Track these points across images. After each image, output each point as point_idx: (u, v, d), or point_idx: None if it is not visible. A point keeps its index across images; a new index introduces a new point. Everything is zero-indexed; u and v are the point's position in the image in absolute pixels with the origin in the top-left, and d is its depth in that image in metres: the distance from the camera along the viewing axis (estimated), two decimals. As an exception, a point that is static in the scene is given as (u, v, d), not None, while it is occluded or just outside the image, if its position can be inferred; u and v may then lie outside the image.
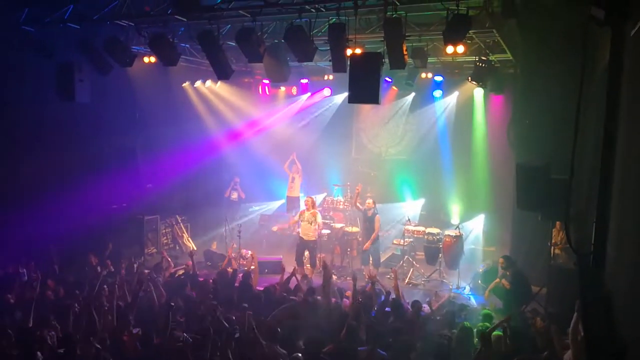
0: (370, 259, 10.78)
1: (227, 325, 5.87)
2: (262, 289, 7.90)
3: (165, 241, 12.59)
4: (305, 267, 10.67)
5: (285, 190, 13.71)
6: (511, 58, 10.62)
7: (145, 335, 5.71)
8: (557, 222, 8.75)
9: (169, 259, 9.68)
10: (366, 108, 14.95)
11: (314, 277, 9.79)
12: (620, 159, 4.45)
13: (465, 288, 10.37)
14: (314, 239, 10.68)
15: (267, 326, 5.92)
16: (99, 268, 8.77)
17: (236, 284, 8.27)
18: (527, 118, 9.58)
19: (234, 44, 8.59)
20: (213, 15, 8.31)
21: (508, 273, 8.65)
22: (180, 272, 9.58)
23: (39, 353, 5.28)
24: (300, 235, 10.74)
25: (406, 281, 10.60)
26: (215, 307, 6.48)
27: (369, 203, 10.99)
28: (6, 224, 9.11)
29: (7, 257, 8.73)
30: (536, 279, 9.41)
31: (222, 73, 8.94)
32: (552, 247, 9.23)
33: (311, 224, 10.58)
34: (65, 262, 9.38)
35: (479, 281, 10.47)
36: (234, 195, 13.38)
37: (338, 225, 12.21)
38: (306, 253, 10.81)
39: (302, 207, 11.60)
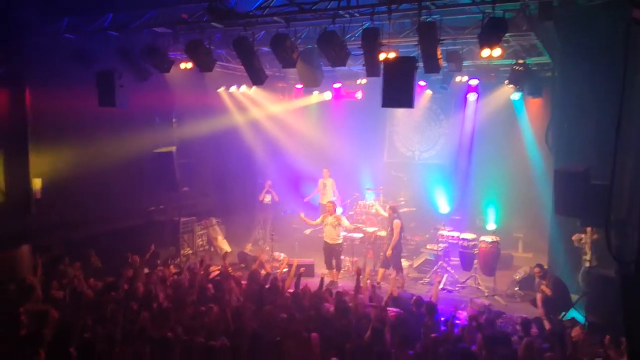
0: (391, 265, 10.56)
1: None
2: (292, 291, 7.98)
3: (200, 243, 12.83)
4: (332, 271, 10.70)
5: (318, 197, 13.75)
6: (549, 61, 10.40)
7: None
8: (587, 228, 8.53)
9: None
10: (399, 111, 14.88)
11: (342, 280, 9.79)
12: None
13: (501, 295, 10.18)
14: (339, 242, 10.69)
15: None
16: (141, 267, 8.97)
17: (267, 286, 8.35)
18: (565, 122, 9.36)
19: (268, 49, 8.70)
20: (248, 21, 8.44)
21: (544, 282, 8.44)
22: (216, 272, 9.74)
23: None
24: (325, 239, 10.77)
25: (440, 287, 10.47)
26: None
27: (388, 209, 11.00)
28: (51, 224, 9.46)
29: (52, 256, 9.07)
30: (575, 286, 9.20)
31: (257, 78, 9.06)
32: (580, 252, 9.07)
33: (335, 227, 10.59)
34: (106, 262, 9.65)
35: (516, 288, 10.28)
36: (267, 199, 13.51)
37: (370, 230, 12.16)
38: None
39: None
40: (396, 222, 10.52)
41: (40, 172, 9.61)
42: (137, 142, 11.17)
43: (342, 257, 11.01)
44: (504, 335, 6.39)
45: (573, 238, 8.97)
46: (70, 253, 9.17)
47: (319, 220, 11.04)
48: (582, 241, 9.16)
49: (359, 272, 7.77)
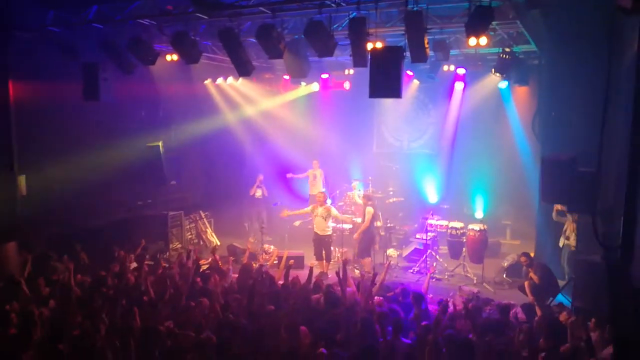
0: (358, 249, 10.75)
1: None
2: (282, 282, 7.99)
3: (189, 236, 12.78)
4: (321, 262, 10.73)
5: (307, 188, 13.74)
6: (535, 49, 10.43)
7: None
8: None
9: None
10: (388, 102, 14.86)
11: (332, 271, 9.83)
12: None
13: (490, 283, 10.28)
14: (328, 233, 10.73)
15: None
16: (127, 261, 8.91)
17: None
18: (552, 110, 9.41)
19: (254, 40, 8.63)
20: (233, 12, 8.35)
21: (531, 270, 8.54)
22: (205, 266, 9.72)
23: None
24: (315, 230, 10.79)
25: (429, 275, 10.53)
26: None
27: (362, 197, 11.28)
28: (37, 221, 9.36)
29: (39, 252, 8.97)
30: (562, 272, 9.32)
31: (243, 70, 8.99)
32: (562, 237, 9.39)
33: (325, 219, 10.61)
34: (93, 257, 9.57)
35: (504, 275, 10.39)
36: (259, 193, 13.44)
37: (359, 220, 12.18)
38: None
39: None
40: (369, 209, 10.71)
41: (25, 168, 9.48)
42: (123, 135, 11.07)
43: (332, 248, 11.04)
44: (496, 322, 6.45)
45: (555, 211, 9.28)
46: (57, 249, 9.07)
47: (308, 209, 11.04)
48: (564, 227, 9.33)
49: (345, 263, 7.78)
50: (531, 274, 8.47)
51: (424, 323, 6.11)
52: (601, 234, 5.44)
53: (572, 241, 9.15)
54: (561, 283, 8.67)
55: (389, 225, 12.38)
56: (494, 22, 8.11)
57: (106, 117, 10.56)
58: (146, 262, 8.51)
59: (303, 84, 14.75)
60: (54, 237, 9.72)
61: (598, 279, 6.35)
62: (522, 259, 8.89)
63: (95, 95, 9.04)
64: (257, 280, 7.87)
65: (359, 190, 13.01)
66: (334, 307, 6.75)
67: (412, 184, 14.04)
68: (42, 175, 9.79)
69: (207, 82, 13.97)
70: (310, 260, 10.67)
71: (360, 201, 11.72)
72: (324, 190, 12.12)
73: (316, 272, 9.25)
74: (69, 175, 9.98)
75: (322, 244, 10.70)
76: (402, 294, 7.43)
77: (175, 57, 10.21)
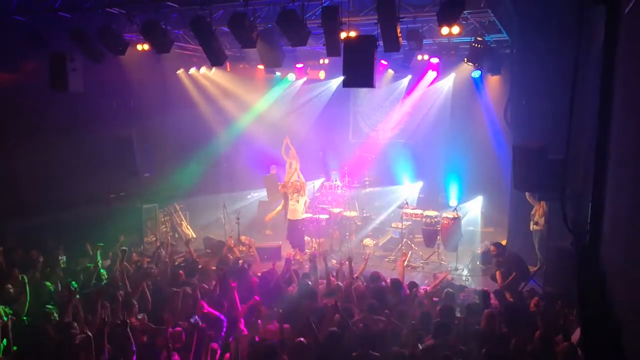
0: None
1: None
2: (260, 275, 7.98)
3: (164, 229, 12.61)
4: (296, 251, 10.79)
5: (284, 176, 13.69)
6: (507, 38, 10.54)
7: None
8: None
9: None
10: (363, 91, 14.89)
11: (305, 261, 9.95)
12: (616, 138, 4.44)
13: (463, 269, 10.44)
14: (300, 218, 10.89)
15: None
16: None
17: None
18: (523, 98, 9.54)
19: (227, 29, 8.51)
20: (205, 0, 8.22)
21: (501, 259, 8.68)
22: (180, 259, 9.62)
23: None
24: (288, 217, 10.90)
25: (405, 264, 10.63)
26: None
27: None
28: (4, 215, 9.12)
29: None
30: (534, 259, 9.50)
31: (215, 59, 8.87)
32: (531, 221, 9.59)
33: (297, 202, 10.77)
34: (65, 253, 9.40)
35: (477, 262, 10.55)
36: None
37: (336, 210, 12.22)
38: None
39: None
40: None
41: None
42: (94, 126, 10.82)
43: (306, 238, 11.09)
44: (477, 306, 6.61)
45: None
46: (26, 243, 8.86)
47: (279, 208, 11.14)
48: (533, 211, 9.53)
49: (322, 254, 7.85)
50: (497, 273, 8.57)
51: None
52: (570, 220, 5.57)
53: (542, 226, 9.34)
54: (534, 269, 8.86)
55: (365, 214, 12.44)
56: (465, 11, 8.16)
57: (76, 108, 10.30)
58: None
59: (278, 73, 14.63)
60: (21, 230, 9.46)
61: (569, 264, 6.49)
62: (492, 248, 9.03)
63: (63, 85, 8.79)
64: (234, 273, 7.86)
65: (335, 180, 13.06)
66: (311, 298, 6.80)
67: (387, 173, 14.11)
68: (9, 166, 9.52)
69: (180, 72, 13.76)
70: (287, 250, 10.70)
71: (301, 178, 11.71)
72: (297, 181, 12.05)
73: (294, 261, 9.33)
74: (37, 167, 9.73)
75: (295, 230, 10.81)
76: (372, 279, 7.54)
77: (146, 46, 10.01)
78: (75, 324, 5.70)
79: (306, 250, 11.03)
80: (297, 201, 10.80)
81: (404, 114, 14.71)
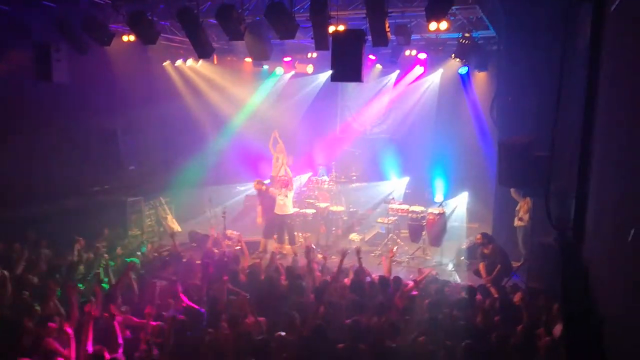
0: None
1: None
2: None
3: (149, 223, 12.50)
4: (283, 246, 10.76)
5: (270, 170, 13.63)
6: (494, 34, 10.59)
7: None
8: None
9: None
10: (351, 86, 14.85)
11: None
12: (601, 136, 4.48)
13: (448, 264, 10.51)
14: (289, 213, 10.82)
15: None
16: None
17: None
18: (509, 95, 9.61)
19: (214, 21, 8.43)
20: (192, -9, 8.15)
21: (485, 251, 8.76)
22: (165, 252, 9.56)
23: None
24: (276, 211, 10.87)
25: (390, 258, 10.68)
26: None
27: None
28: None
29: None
30: (518, 254, 9.59)
31: (203, 51, 8.80)
32: (516, 217, 9.72)
33: (286, 197, 10.73)
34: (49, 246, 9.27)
35: (462, 257, 10.63)
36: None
37: (323, 205, 12.22)
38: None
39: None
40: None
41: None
42: (78, 118, 10.68)
43: (295, 233, 11.06)
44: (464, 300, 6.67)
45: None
46: (8, 236, 8.72)
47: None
48: (517, 207, 9.62)
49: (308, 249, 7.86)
50: (480, 266, 8.66)
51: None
52: (554, 217, 5.61)
53: (526, 222, 9.44)
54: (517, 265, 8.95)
55: (351, 209, 12.46)
56: (454, 7, 8.17)
57: (60, 99, 10.14)
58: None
59: (265, 66, 14.54)
60: (4, 223, 9.31)
61: (552, 260, 6.55)
62: (478, 236, 9.12)
63: (47, 76, 8.67)
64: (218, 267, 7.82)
65: (323, 175, 13.05)
66: (297, 292, 6.79)
67: (374, 168, 14.13)
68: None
69: (166, 64, 13.61)
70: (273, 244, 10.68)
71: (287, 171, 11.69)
72: (284, 176, 12.01)
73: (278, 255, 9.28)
74: (19, 158, 9.57)
75: (283, 225, 10.77)
76: (355, 272, 7.55)
77: (132, 37, 9.88)
78: (57, 317, 5.63)
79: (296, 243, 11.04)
80: (286, 196, 10.75)
81: (390, 109, 14.71)
